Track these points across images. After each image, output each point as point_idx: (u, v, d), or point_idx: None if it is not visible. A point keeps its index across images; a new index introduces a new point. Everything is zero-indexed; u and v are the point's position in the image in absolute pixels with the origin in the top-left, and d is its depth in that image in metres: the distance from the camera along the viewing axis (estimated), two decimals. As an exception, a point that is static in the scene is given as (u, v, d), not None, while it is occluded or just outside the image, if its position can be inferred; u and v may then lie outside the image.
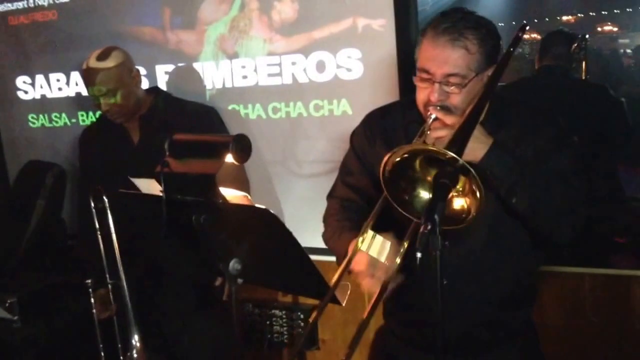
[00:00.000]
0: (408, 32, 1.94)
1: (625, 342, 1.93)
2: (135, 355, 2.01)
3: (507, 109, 1.30)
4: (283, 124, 2.22)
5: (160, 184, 1.17)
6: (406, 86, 1.94)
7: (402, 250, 1.17)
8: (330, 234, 1.41)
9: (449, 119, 1.15)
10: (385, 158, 1.05)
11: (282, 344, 2.28)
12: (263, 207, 1.09)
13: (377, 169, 1.36)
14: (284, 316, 2.26)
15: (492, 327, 1.34)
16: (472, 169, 0.98)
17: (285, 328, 2.26)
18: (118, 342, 2.05)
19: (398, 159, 1.04)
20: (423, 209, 1.04)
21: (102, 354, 2.09)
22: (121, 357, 2.05)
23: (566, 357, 1.83)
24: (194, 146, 1.21)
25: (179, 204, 1.19)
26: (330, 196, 1.49)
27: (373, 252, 1.19)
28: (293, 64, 2.15)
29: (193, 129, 2.00)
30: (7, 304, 2.09)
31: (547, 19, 3.41)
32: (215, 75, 2.32)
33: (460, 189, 1.03)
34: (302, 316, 2.24)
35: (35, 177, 2.57)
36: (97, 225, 2.02)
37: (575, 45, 2.30)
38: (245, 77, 2.25)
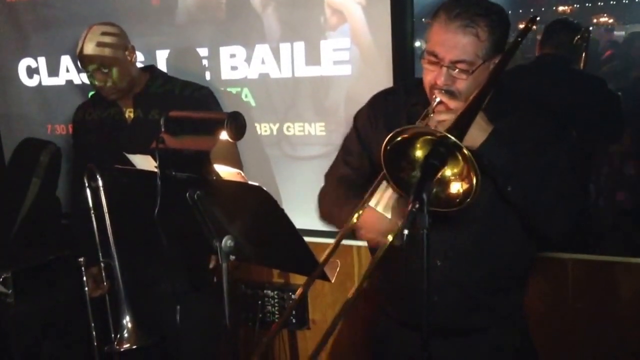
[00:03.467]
0: (403, 19, 1.95)
1: (608, 329, 1.97)
2: (126, 336, 2.05)
3: (508, 98, 1.32)
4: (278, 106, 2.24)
5: (155, 159, 1.19)
6: (400, 75, 1.97)
7: (397, 229, 1.18)
8: (330, 204, 1.42)
9: (453, 103, 1.17)
10: (388, 137, 1.06)
11: (273, 324, 2.31)
12: (256, 184, 1.11)
13: (378, 150, 1.39)
14: (275, 296, 2.29)
15: (481, 311, 1.37)
16: (468, 151, 1.00)
17: (276, 308, 2.29)
18: (110, 321, 2.08)
19: (399, 138, 1.06)
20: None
21: (94, 333, 2.12)
22: (112, 336, 2.08)
23: (549, 343, 1.87)
24: (189, 123, 1.22)
25: (174, 180, 1.21)
26: (329, 174, 1.51)
27: (380, 209, 1.21)
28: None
29: (187, 108, 2.03)
30: (1, 279, 2.11)
31: (543, 9, 3.41)
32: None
33: (458, 172, 1.05)
34: (293, 296, 2.27)
35: (31, 155, 2.57)
36: (90, 204, 2.04)
37: (579, 37, 2.30)
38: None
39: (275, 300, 2.29)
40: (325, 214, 1.45)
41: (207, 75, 2.34)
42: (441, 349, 1.30)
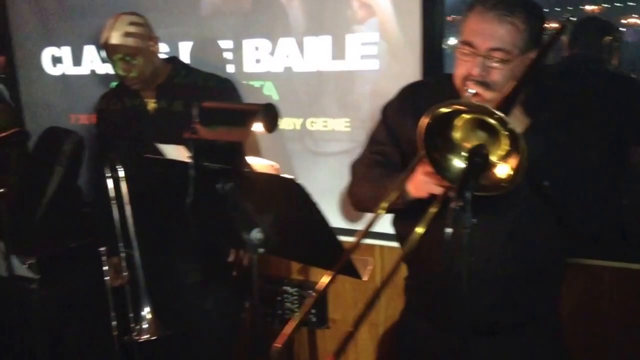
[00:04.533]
0: (434, 14, 1.92)
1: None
2: (145, 327, 2.05)
3: (546, 94, 1.29)
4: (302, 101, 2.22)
5: (189, 150, 1.18)
6: (429, 70, 1.94)
7: (428, 215, 1.16)
8: (368, 186, 1.38)
9: (488, 94, 1.15)
10: (431, 109, 1.03)
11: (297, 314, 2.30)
12: (289, 176, 1.09)
13: (406, 143, 1.37)
14: (295, 293, 2.27)
15: (514, 309, 1.35)
16: (519, 134, 0.97)
17: (295, 305, 2.28)
18: (129, 311, 2.09)
19: (443, 111, 1.03)
20: (452, 174, 1.04)
21: (114, 322, 2.13)
22: (132, 325, 2.08)
23: (583, 353, 1.83)
24: (223, 114, 1.21)
25: (205, 171, 1.19)
26: (358, 163, 1.48)
27: None
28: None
29: (209, 100, 2.02)
30: (26, 265, 2.12)
31: (569, 8, 3.35)
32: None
33: (502, 154, 1.02)
34: (313, 294, 2.25)
35: (54, 144, 2.58)
36: (111, 193, 2.05)
37: (611, 36, 2.24)
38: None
39: (295, 297, 2.28)
40: (362, 198, 1.41)
41: (230, 68, 2.33)
42: (473, 348, 1.28)
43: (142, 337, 2.04)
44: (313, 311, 2.26)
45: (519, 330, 1.36)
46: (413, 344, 1.49)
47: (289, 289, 2.28)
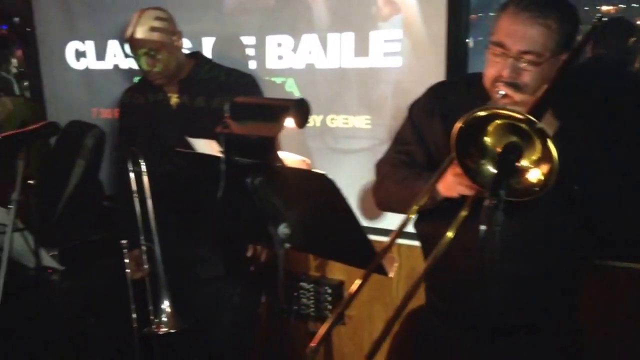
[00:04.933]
0: (460, 12, 1.92)
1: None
2: (164, 320, 2.07)
3: (573, 96, 1.29)
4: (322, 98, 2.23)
5: (220, 144, 1.19)
6: (453, 69, 1.93)
7: (458, 219, 1.16)
8: (394, 187, 1.37)
9: (518, 96, 1.15)
10: (463, 118, 1.03)
11: (308, 317, 2.31)
12: (321, 171, 1.10)
13: (433, 142, 1.37)
14: (311, 289, 2.28)
15: (532, 312, 1.35)
16: (551, 138, 0.97)
17: (312, 301, 2.29)
18: (149, 303, 2.11)
19: (477, 116, 1.03)
20: (483, 179, 1.04)
21: (134, 315, 2.15)
22: (151, 318, 2.10)
23: (602, 354, 1.81)
24: (255, 109, 1.22)
25: (235, 165, 1.21)
26: (382, 163, 1.48)
27: None
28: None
29: (231, 95, 2.03)
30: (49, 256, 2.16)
31: (585, 8, 3.30)
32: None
33: (535, 159, 1.02)
34: (329, 290, 2.27)
35: (76, 137, 2.62)
36: (133, 187, 2.07)
37: (635, 38, 2.22)
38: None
39: (311, 293, 2.29)
40: (390, 198, 1.40)
41: (252, 64, 2.34)
42: (492, 348, 1.28)
43: (161, 330, 2.06)
44: (329, 307, 2.27)
45: (538, 331, 1.35)
46: (431, 342, 1.49)
47: (305, 285, 2.29)
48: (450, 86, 1.46)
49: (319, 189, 1.13)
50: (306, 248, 1.38)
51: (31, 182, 1.63)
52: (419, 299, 1.96)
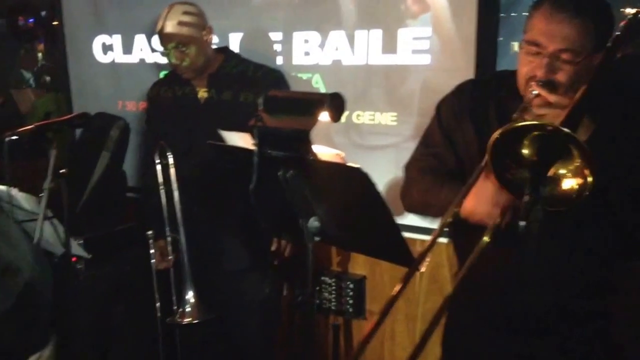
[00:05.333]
0: (490, 11, 1.91)
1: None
2: (188, 310, 2.10)
3: (610, 97, 1.27)
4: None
5: (254, 137, 1.20)
6: (483, 68, 1.92)
7: (494, 224, 1.15)
8: (421, 193, 1.36)
9: (553, 97, 1.14)
10: (497, 132, 1.02)
11: (329, 311, 2.32)
12: (356, 165, 1.10)
13: (461, 141, 1.36)
14: (333, 284, 2.29)
15: (568, 312, 1.33)
16: (587, 148, 0.96)
17: (333, 295, 2.30)
18: (173, 293, 2.14)
19: (511, 129, 1.01)
20: (518, 189, 1.03)
21: (158, 304, 2.18)
22: (175, 307, 2.13)
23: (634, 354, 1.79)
24: (289, 102, 1.23)
25: (267, 159, 1.22)
26: (410, 165, 1.46)
27: None
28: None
29: (259, 90, 2.05)
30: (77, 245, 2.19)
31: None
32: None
33: (573, 169, 1.01)
34: (351, 285, 2.27)
35: (102, 129, 2.66)
36: (160, 179, 2.10)
37: None
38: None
39: (333, 288, 2.30)
40: (416, 204, 1.40)
41: (279, 60, 2.35)
42: (526, 348, 1.27)
43: (185, 320, 2.09)
44: (350, 302, 2.28)
45: (571, 333, 1.34)
46: (460, 341, 1.48)
47: (327, 279, 2.30)
48: (479, 85, 1.43)
49: (354, 183, 1.13)
50: (336, 242, 1.39)
51: (63, 171, 1.66)
52: (441, 296, 1.94)
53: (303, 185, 1.22)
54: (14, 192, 1.74)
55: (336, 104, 1.16)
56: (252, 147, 1.21)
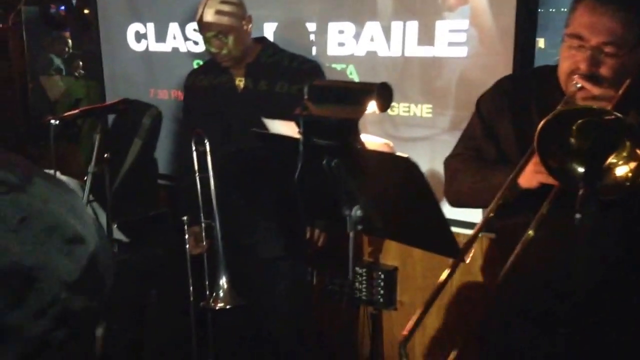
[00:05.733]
0: (530, 4, 1.89)
1: None
2: (221, 295, 2.13)
3: None
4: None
5: (299, 126, 1.21)
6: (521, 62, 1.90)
7: (539, 217, 1.15)
8: (469, 181, 1.36)
9: (597, 90, 1.13)
10: (546, 118, 1.03)
11: (360, 301, 2.34)
12: (404, 155, 1.11)
13: (503, 137, 1.36)
14: (364, 274, 2.31)
15: (613, 307, 1.32)
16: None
17: (364, 286, 2.31)
18: (206, 278, 2.18)
19: (560, 115, 1.02)
20: (571, 177, 1.03)
21: (191, 288, 2.23)
22: (207, 293, 2.17)
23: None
24: (336, 92, 1.24)
25: (312, 147, 1.23)
26: (451, 159, 1.46)
27: None
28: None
29: (295, 81, 2.06)
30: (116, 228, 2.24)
31: None
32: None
33: (625, 156, 1.01)
34: (382, 276, 2.29)
35: (134, 117, 2.70)
36: (195, 166, 2.13)
37: None
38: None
39: (364, 278, 2.31)
40: (465, 192, 1.38)
41: (314, 50, 2.36)
42: (569, 344, 1.27)
43: (218, 305, 2.13)
44: (381, 292, 2.29)
45: (612, 330, 1.33)
46: (501, 335, 1.48)
47: (358, 269, 2.32)
48: (519, 80, 1.43)
49: (402, 173, 1.14)
50: (378, 231, 1.40)
51: (107, 155, 1.70)
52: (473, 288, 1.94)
53: (347, 174, 1.24)
54: (58, 175, 1.79)
55: (385, 93, 1.17)
56: (297, 136, 1.23)
